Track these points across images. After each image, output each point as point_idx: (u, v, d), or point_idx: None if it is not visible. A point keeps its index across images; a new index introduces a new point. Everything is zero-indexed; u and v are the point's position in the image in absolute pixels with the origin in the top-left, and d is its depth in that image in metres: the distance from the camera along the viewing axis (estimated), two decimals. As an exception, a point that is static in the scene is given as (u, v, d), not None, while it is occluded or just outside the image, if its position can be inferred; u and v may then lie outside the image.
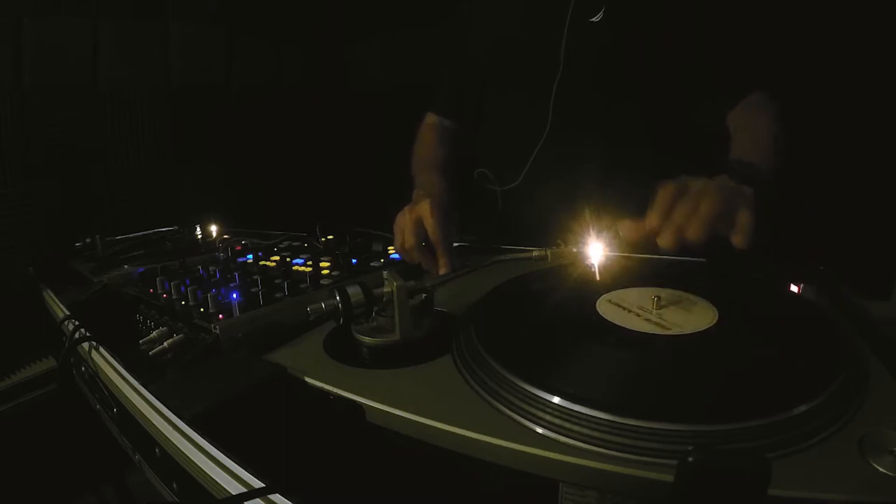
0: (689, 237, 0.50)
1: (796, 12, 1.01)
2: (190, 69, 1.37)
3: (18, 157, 1.10)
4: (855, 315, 0.50)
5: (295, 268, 0.72)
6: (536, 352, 0.43)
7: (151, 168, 1.33)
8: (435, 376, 0.43)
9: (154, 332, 0.56)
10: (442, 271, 0.67)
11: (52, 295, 0.73)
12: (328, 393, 0.43)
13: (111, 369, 0.51)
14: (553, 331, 0.47)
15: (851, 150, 1.03)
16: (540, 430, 0.35)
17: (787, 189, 0.74)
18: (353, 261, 0.73)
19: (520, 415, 0.36)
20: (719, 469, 0.25)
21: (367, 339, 0.48)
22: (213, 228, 0.99)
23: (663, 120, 0.83)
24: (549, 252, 0.64)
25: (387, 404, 0.39)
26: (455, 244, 0.73)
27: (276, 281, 0.63)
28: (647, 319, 0.46)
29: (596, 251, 0.56)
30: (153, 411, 0.42)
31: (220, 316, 0.54)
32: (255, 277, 0.62)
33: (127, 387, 0.47)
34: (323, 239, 0.87)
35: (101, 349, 0.55)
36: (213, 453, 0.36)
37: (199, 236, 1.00)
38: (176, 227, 1.07)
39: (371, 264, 0.73)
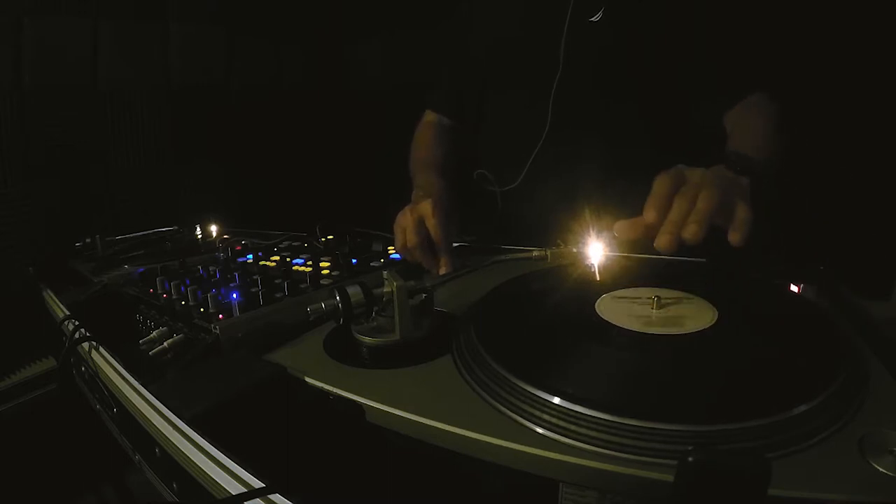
0: (688, 237, 0.48)
1: (796, 12, 1.01)
2: (190, 69, 1.37)
3: (18, 157, 1.10)
4: (855, 315, 0.50)
5: (295, 268, 0.72)
6: (536, 352, 0.43)
7: (151, 168, 1.33)
8: (435, 376, 0.43)
9: (154, 332, 0.56)
10: (442, 271, 0.67)
11: (52, 295, 0.73)
12: (328, 393, 0.43)
13: (111, 369, 0.51)
14: (553, 331, 0.47)
15: (851, 151, 1.03)
16: (540, 431, 0.35)
17: (787, 189, 0.74)
18: (353, 261, 0.73)
19: (520, 415, 0.36)
20: (719, 469, 0.25)
21: (367, 339, 0.48)
22: (213, 228, 0.99)
23: (663, 120, 0.83)
24: (548, 252, 0.64)
25: (387, 404, 0.39)
26: (455, 244, 0.73)
27: (276, 281, 0.63)
28: (647, 320, 0.45)
29: (596, 251, 0.56)
30: (153, 411, 0.42)
31: (220, 316, 0.54)
32: (255, 277, 0.62)
33: (127, 387, 0.47)
34: (323, 239, 0.87)
35: (101, 349, 0.55)
36: (213, 453, 0.36)
37: (199, 236, 1.00)
38: (176, 227, 1.07)
39: (371, 264, 0.73)
